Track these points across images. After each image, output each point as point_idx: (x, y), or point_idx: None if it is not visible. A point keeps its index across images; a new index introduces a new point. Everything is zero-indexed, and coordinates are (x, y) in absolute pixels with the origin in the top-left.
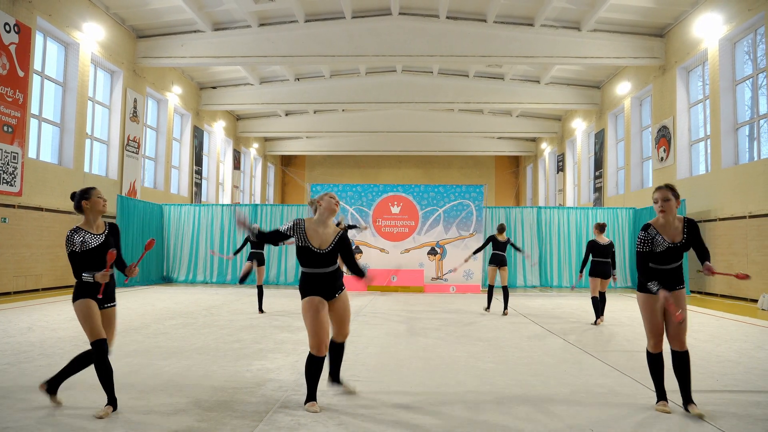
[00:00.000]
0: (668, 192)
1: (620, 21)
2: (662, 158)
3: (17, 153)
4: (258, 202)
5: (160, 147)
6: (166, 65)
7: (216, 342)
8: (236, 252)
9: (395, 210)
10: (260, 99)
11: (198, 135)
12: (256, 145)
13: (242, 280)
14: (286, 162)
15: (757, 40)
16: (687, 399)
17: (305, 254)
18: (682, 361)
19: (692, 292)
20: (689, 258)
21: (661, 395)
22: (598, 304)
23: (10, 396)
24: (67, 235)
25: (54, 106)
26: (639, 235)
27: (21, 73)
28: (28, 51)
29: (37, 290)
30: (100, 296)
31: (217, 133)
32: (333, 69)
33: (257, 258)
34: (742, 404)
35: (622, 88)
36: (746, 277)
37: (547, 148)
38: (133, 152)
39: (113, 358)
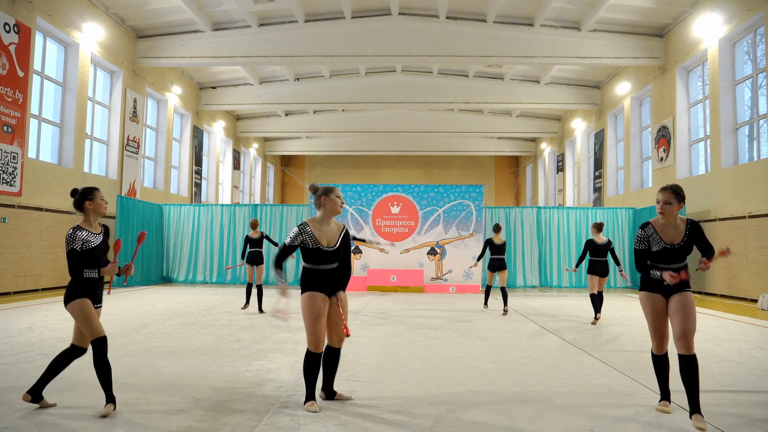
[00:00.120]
0: (671, 195)
1: (620, 21)
2: (662, 158)
3: (17, 153)
4: (258, 202)
5: (159, 147)
6: (165, 65)
7: (216, 342)
8: (243, 256)
9: (395, 210)
10: (260, 99)
11: (198, 135)
12: (255, 145)
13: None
14: (286, 162)
15: (756, 40)
16: (693, 408)
17: (315, 254)
18: (687, 366)
19: (692, 292)
20: (690, 258)
21: (664, 395)
22: (597, 301)
23: (9, 396)
24: (69, 233)
25: (54, 106)
26: (637, 233)
27: (21, 73)
28: (28, 51)
29: (36, 290)
30: (109, 292)
31: (216, 133)
32: (333, 69)
33: (256, 257)
34: (741, 404)
35: (622, 88)
36: (727, 251)
37: (546, 148)
38: (132, 152)
39: (112, 358)
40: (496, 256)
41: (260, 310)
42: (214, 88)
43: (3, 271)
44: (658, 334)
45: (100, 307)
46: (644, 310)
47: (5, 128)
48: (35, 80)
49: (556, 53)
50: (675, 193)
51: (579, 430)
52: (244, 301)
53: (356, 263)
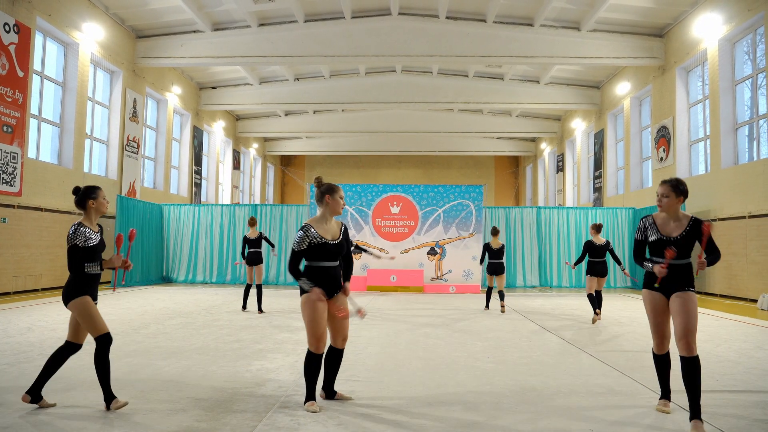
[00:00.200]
0: (668, 188)
1: (620, 21)
2: (662, 158)
3: (17, 153)
4: (257, 202)
5: (159, 147)
6: (165, 65)
7: (216, 342)
8: (243, 254)
9: (395, 210)
10: (260, 99)
11: (197, 135)
12: (255, 145)
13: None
14: (286, 162)
15: (756, 40)
16: (692, 412)
17: (320, 249)
18: (688, 368)
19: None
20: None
21: (664, 393)
22: (594, 299)
23: (9, 396)
24: (73, 229)
25: (53, 106)
26: (638, 224)
27: (21, 73)
28: (28, 51)
29: (36, 290)
30: (114, 290)
31: (216, 133)
32: (332, 69)
33: (254, 258)
34: (741, 404)
35: (622, 88)
36: (709, 226)
37: (546, 148)
38: (132, 152)
39: (112, 358)
40: (494, 260)
41: (260, 310)
42: (213, 88)
43: (3, 271)
44: (658, 334)
45: (96, 303)
46: (645, 308)
47: (5, 128)
48: (35, 80)
49: (556, 53)
50: (673, 186)
51: (579, 430)
52: (242, 303)
53: (356, 263)
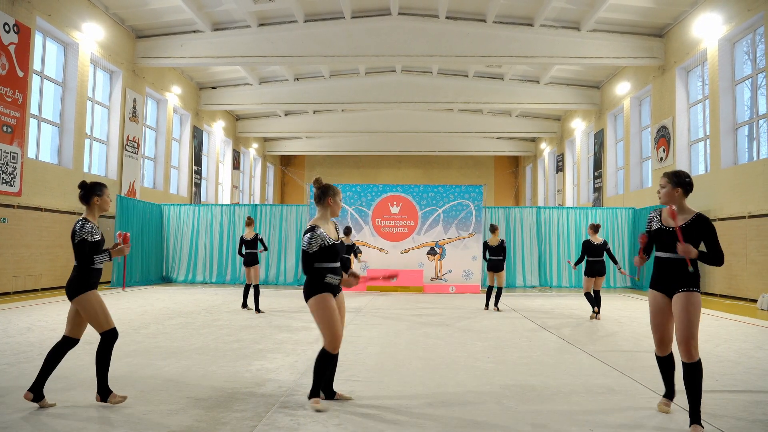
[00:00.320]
0: (665, 179)
1: (620, 21)
2: (662, 158)
3: (17, 153)
4: (257, 202)
5: (159, 147)
6: (165, 65)
7: (215, 342)
8: (240, 253)
9: (395, 210)
10: (260, 99)
11: (197, 135)
12: (255, 145)
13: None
14: (286, 162)
15: (756, 40)
16: (692, 417)
17: (328, 250)
18: (688, 373)
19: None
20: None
21: (667, 393)
22: (592, 300)
23: (9, 396)
24: (80, 225)
25: (53, 106)
26: None
27: (20, 73)
28: (28, 51)
29: (36, 290)
30: (124, 288)
31: (216, 133)
32: (332, 69)
33: (250, 258)
34: (741, 404)
35: (622, 88)
36: (673, 213)
37: (546, 148)
38: (132, 152)
39: (112, 358)
40: (492, 258)
41: (257, 310)
42: (213, 88)
43: (3, 271)
44: (656, 335)
45: None
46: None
47: (5, 128)
48: (35, 80)
49: (555, 53)
50: (669, 177)
51: (579, 430)
52: (242, 301)
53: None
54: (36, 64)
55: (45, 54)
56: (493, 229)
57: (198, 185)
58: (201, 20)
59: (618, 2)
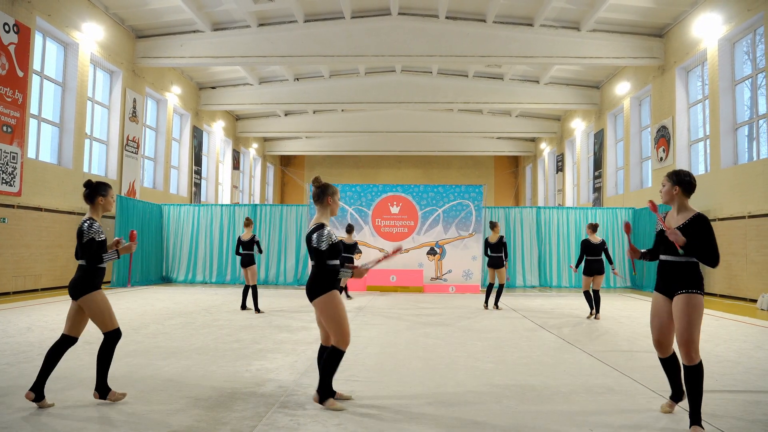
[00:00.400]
0: (665, 178)
1: (619, 21)
2: (661, 158)
3: (16, 153)
4: (257, 202)
5: (159, 147)
6: (165, 65)
7: (215, 342)
8: (237, 253)
9: (394, 210)
10: (259, 99)
11: (197, 135)
12: (255, 145)
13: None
14: (286, 162)
15: (756, 40)
16: (692, 419)
17: (334, 248)
18: (688, 376)
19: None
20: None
21: (672, 395)
22: (591, 299)
23: (9, 396)
24: (88, 224)
25: (53, 106)
26: None
27: (20, 73)
28: (28, 51)
29: (36, 290)
30: (129, 285)
31: (216, 133)
32: (332, 69)
33: (246, 260)
34: (741, 404)
35: (622, 88)
36: (653, 207)
37: (546, 148)
38: (132, 152)
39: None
40: (492, 254)
41: (257, 310)
42: (213, 88)
43: (2, 271)
44: (653, 336)
45: None
46: None
47: (5, 128)
48: (35, 80)
49: (555, 53)
50: (670, 175)
51: (578, 430)
52: (241, 302)
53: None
54: (36, 64)
55: (45, 54)
56: (493, 225)
57: (198, 185)
58: (201, 20)
59: (618, 2)
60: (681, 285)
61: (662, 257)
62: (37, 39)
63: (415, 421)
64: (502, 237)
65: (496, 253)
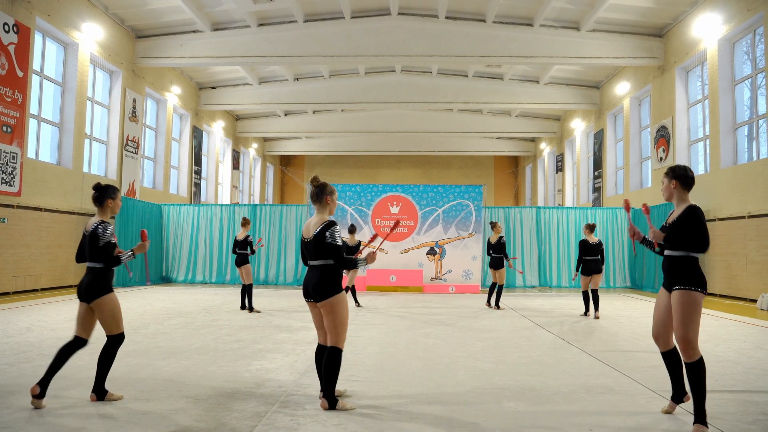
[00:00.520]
0: (664, 174)
1: (619, 21)
2: (661, 158)
3: (16, 153)
4: (257, 202)
5: (159, 147)
6: (165, 65)
7: (215, 342)
8: (234, 252)
9: (394, 210)
10: (259, 99)
11: (197, 135)
12: (255, 145)
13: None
14: (285, 162)
15: (756, 40)
16: (695, 416)
17: (343, 246)
18: (688, 372)
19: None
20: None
21: (672, 395)
22: (588, 299)
23: (9, 396)
24: (102, 227)
25: (53, 106)
26: None
27: (20, 73)
28: (27, 51)
29: (36, 290)
30: (148, 283)
31: (216, 133)
32: (332, 69)
33: (239, 259)
34: (741, 404)
35: (621, 88)
36: (626, 206)
37: (546, 148)
38: (132, 152)
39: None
40: (492, 255)
41: (250, 309)
42: (213, 88)
43: (2, 271)
44: (652, 329)
45: None
46: None
47: (5, 128)
48: (34, 80)
49: (555, 53)
50: (667, 172)
51: (578, 430)
52: (240, 302)
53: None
54: (36, 64)
55: (45, 54)
56: (493, 225)
57: (198, 185)
58: (201, 20)
59: (618, 2)
60: (677, 280)
61: (665, 252)
62: (37, 39)
63: (415, 421)
64: (501, 237)
65: (496, 253)
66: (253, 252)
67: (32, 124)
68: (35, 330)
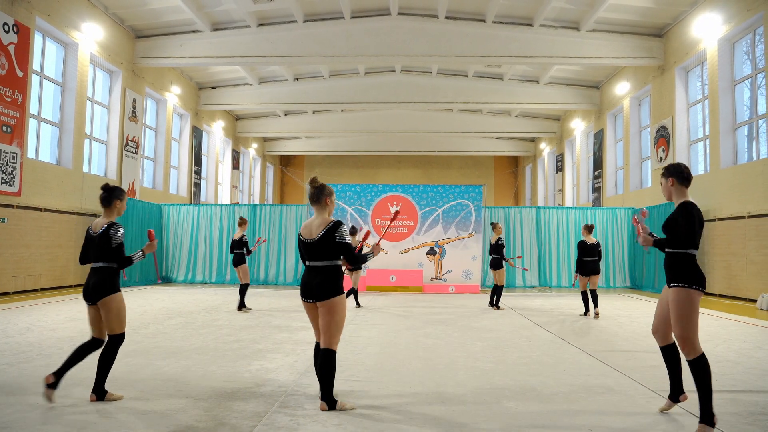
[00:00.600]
0: (660, 176)
1: (619, 21)
2: (661, 158)
3: (16, 153)
4: (257, 202)
5: (159, 147)
6: (165, 65)
7: (215, 342)
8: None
9: (394, 210)
10: (259, 99)
11: (197, 135)
12: (255, 145)
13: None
14: (285, 162)
15: (756, 40)
16: (701, 415)
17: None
18: (691, 369)
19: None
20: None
21: (670, 394)
22: (588, 299)
23: (9, 396)
24: (114, 229)
25: (53, 106)
26: None
27: (20, 73)
28: (27, 51)
29: (35, 290)
30: (159, 280)
31: (216, 133)
32: (332, 69)
33: (234, 259)
34: (741, 404)
35: (621, 88)
36: (639, 217)
37: (546, 148)
38: (132, 152)
39: None
40: (492, 255)
41: (239, 308)
42: (213, 88)
43: (2, 271)
44: (652, 322)
45: None
46: None
47: (4, 128)
48: (34, 80)
49: (555, 53)
50: (663, 172)
51: (578, 430)
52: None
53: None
54: (35, 64)
55: (44, 54)
56: (493, 226)
57: (197, 185)
58: (200, 20)
59: (618, 2)
60: (673, 278)
61: (665, 249)
62: (37, 39)
63: (414, 422)
64: (499, 239)
65: (495, 254)
66: (249, 252)
67: (32, 124)
68: (35, 330)
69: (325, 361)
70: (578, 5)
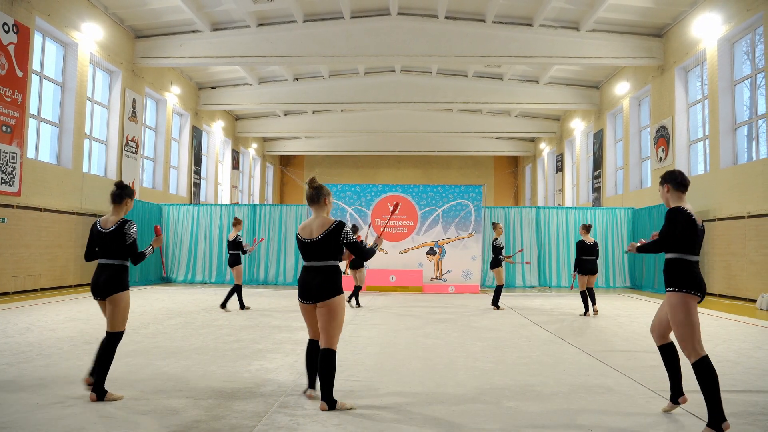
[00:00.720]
0: (659, 186)
1: (619, 21)
2: (661, 158)
3: (16, 153)
4: (257, 202)
5: (158, 147)
6: (164, 65)
7: (215, 342)
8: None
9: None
10: (259, 99)
11: (197, 135)
12: (254, 145)
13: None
14: (285, 162)
15: (755, 40)
16: (709, 419)
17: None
18: (695, 373)
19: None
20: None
21: (670, 395)
22: (587, 298)
23: (9, 396)
24: (127, 226)
25: (53, 106)
26: None
27: (20, 73)
28: (27, 51)
29: (35, 290)
30: (165, 274)
31: (215, 133)
32: (332, 69)
33: (229, 260)
34: (740, 404)
35: (621, 88)
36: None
37: (545, 148)
38: (131, 152)
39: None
40: (493, 255)
41: (223, 305)
42: (213, 88)
43: (2, 271)
44: (654, 319)
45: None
46: None
47: (4, 128)
48: (34, 80)
49: (555, 53)
50: (660, 180)
51: (578, 430)
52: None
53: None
54: (35, 64)
55: (44, 54)
56: (493, 226)
57: (197, 185)
58: (200, 20)
59: (617, 2)
60: (669, 282)
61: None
62: (37, 39)
63: (414, 422)
64: (495, 239)
65: (493, 253)
66: (244, 252)
67: (32, 124)
68: (35, 330)
69: (325, 361)
70: (578, 5)
